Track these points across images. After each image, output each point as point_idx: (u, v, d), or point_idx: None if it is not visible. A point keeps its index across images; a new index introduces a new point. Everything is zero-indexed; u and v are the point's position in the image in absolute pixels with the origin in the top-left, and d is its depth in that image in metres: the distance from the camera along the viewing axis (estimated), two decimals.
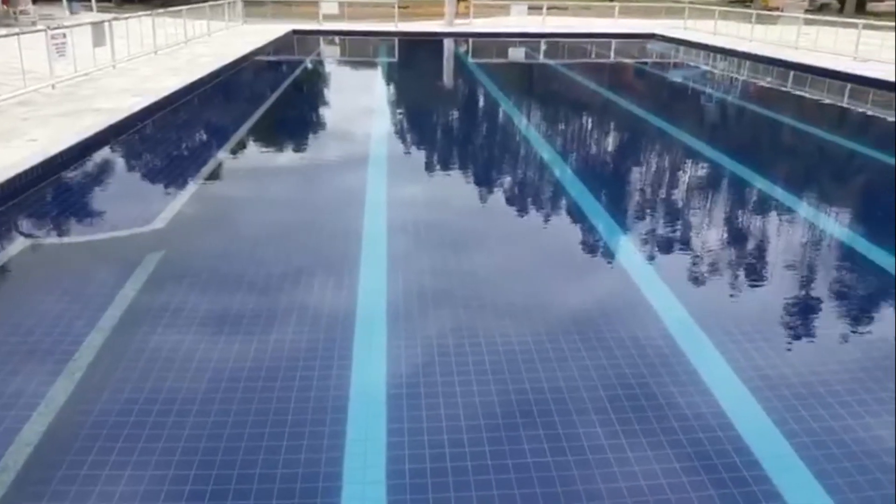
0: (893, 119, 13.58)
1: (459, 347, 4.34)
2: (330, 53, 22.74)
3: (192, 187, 7.71)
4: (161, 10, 18.23)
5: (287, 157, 9.64)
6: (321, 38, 24.91)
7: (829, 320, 5.07)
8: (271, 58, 20.22)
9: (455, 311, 4.87)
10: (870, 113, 14.19)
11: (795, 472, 3.30)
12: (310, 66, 19.83)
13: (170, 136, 10.59)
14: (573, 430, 3.56)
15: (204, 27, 20.68)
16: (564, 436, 3.52)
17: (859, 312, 5.25)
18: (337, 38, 25.21)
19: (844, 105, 14.94)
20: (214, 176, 8.36)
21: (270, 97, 13.82)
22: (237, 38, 20.98)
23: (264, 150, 10.21)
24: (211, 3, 21.58)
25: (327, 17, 26.68)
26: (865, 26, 18.76)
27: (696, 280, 5.70)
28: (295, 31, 24.56)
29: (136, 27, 15.53)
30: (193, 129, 11.25)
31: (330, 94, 15.72)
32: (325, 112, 13.42)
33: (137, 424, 3.53)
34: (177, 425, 3.53)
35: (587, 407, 3.76)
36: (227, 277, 5.33)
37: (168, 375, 3.97)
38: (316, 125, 12.00)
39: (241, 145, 9.94)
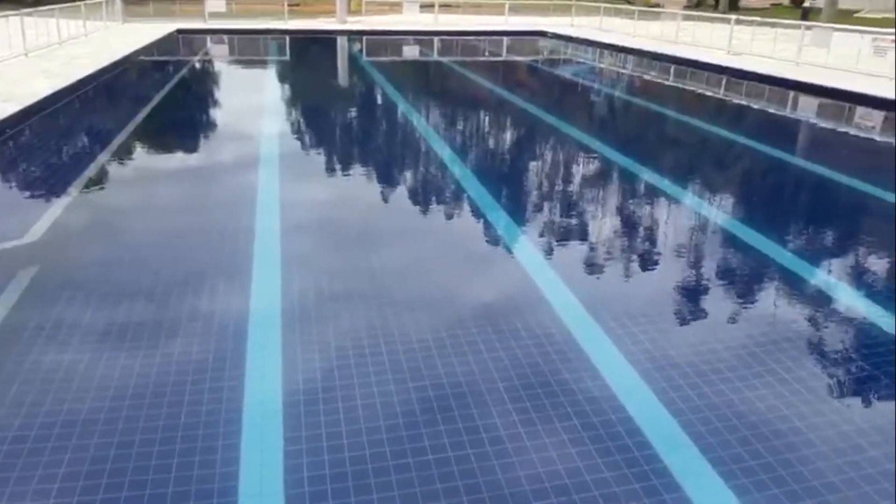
0: (763, 108, 14.46)
1: (358, 349, 4.29)
2: (218, 53, 22.04)
3: (69, 196, 7.29)
4: (30, 10, 17.13)
5: (173, 160, 9.26)
6: (208, 38, 24.12)
7: (709, 302, 5.32)
8: (155, 58, 19.42)
9: (353, 311, 4.81)
10: (743, 103, 15.04)
11: (683, 449, 3.44)
12: (197, 66, 19.15)
13: (44, 142, 9.96)
14: (472, 424, 3.58)
15: (80, 27, 19.61)
16: (465, 429, 3.54)
17: (738, 294, 5.54)
18: (225, 37, 24.47)
19: (721, 96, 15.78)
20: (95, 183, 7.94)
21: (154, 99, 13.24)
22: (117, 39, 20.03)
23: (148, 154, 9.78)
24: (87, 1, 20.47)
25: (213, 16, 25.88)
26: (737, 21, 19.88)
27: (586, 271, 5.87)
28: (180, 31, 23.71)
29: (4, 27, 14.53)
30: (70, 135, 10.63)
31: (218, 94, 15.23)
32: (213, 113, 12.99)
33: (12, 454, 3.29)
34: (56, 451, 3.32)
35: (486, 400, 3.80)
36: (110, 288, 5.07)
37: (45, 398, 3.72)
38: (203, 127, 11.59)
39: (124, 150, 9.47)
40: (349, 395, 3.81)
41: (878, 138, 11.82)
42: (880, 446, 3.49)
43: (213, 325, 4.56)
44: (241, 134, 10.52)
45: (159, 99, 13.33)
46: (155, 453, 3.33)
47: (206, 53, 21.62)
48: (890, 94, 12.97)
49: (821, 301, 5.37)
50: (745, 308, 5.24)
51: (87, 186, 7.73)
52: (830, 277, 5.78)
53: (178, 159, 9.29)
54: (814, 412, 3.76)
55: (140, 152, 9.75)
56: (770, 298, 5.45)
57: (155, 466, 3.24)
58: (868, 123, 12.71)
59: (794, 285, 5.67)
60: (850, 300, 5.35)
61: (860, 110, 13.21)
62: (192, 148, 9.91)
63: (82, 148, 9.93)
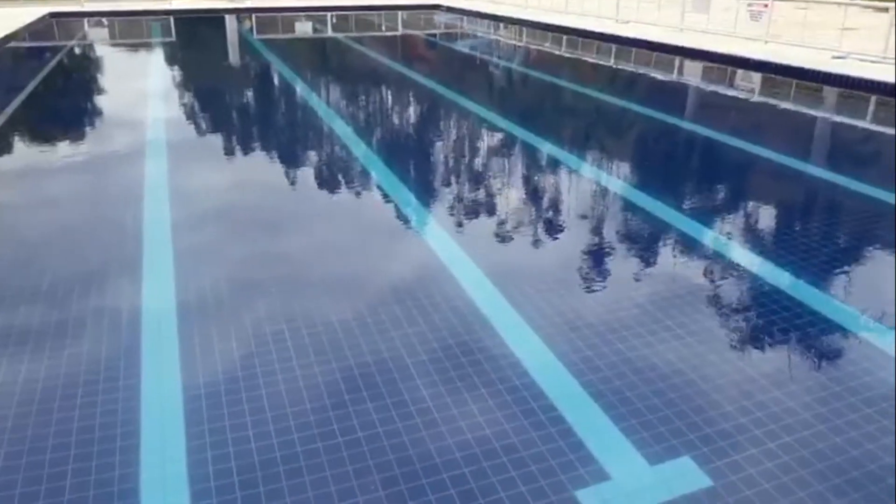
0: (650, 74, 14.96)
1: (260, 338, 4.19)
2: (97, 37, 20.85)
3: None
4: None
5: (50, 154, 8.69)
6: (85, 21, 22.78)
7: (604, 267, 5.50)
8: (26, 45, 18.21)
9: (250, 301, 4.70)
10: (631, 70, 15.49)
11: (585, 408, 3.55)
12: (73, 52, 18.07)
13: None
14: (381, 402, 3.57)
15: None
16: (374, 409, 3.53)
17: (631, 256, 5.75)
18: (104, 20, 23.18)
19: (610, 64, 16.20)
20: None
21: (26, 89, 12.37)
22: None
23: (24, 147, 9.17)
24: None
25: None
26: None
27: (489, 244, 5.93)
28: (53, 15, 22.27)
29: None
30: None
31: (99, 81, 14.43)
32: (93, 102, 12.29)
33: None
34: None
35: (395, 378, 3.80)
36: None
37: None
38: (83, 117, 10.96)
39: None
40: (253, 385, 3.73)
41: (756, 98, 12.45)
42: (769, 391, 3.70)
43: (104, 323, 4.34)
44: (124, 123, 10.01)
45: (32, 89, 12.49)
46: (47, 461, 3.16)
47: (84, 38, 20.41)
48: (762, 56, 13.67)
49: (712, 259, 5.63)
50: (639, 270, 5.43)
51: None
52: (721, 236, 6.07)
53: (56, 152, 8.75)
54: (706, 364, 3.96)
55: (14, 146, 9.13)
56: (662, 259, 5.67)
57: (48, 475, 3.08)
58: (747, 84, 13.36)
59: (686, 245, 5.92)
60: (740, 257, 5.63)
61: (739, 72, 13.87)
62: (71, 139, 9.37)
63: None
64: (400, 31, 23.38)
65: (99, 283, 4.91)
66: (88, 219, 6.25)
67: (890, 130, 10.14)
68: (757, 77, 13.50)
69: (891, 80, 11.32)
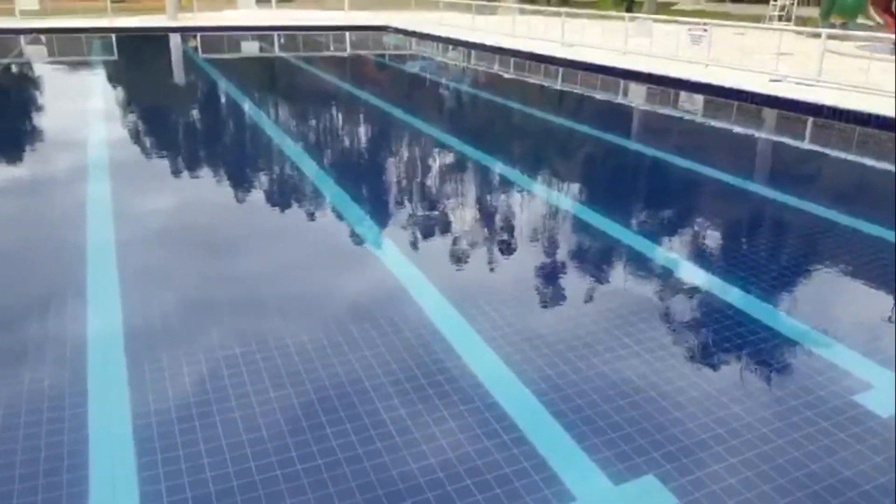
0: (596, 96, 15.26)
1: (213, 363, 4.06)
2: (33, 54, 20.22)
3: None
4: None
5: None
6: (21, 38, 22.11)
7: (560, 284, 5.52)
8: None
9: (202, 326, 4.56)
10: (578, 91, 15.77)
11: (547, 427, 3.53)
12: (11, 69, 17.48)
13: None
14: (340, 427, 3.49)
15: None
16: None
17: (586, 274, 5.79)
18: (42, 37, 22.53)
19: (558, 87, 16.47)
20: None
21: None
22: None
23: None
24: None
25: (26, 14, 23.75)
26: (568, 15, 20.83)
27: (447, 264, 5.90)
28: None
29: None
30: None
31: (34, 101, 13.95)
32: (31, 122, 11.87)
33: None
34: None
35: (353, 402, 3.72)
36: None
37: None
38: (20, 138, 10.55)
39: None
40: (206, 412, 3.61)
41: (699, 119, 12.80)
42: (728, 407, 3.74)
43: (47, 353, 4.14)
44: (64, 143, 9.67)
45: None
46: None
47: (21, 55, 19.78)
48: (704, 78, 14.09)
49: (668, 277, 5.71)
50: (598, 287, 5.47)
51: None
52: (677, 254, 6.16)
53: None
54: (665, 381, 3.98)
55: None
56: (620, 277, 5.73)
57: None
58: (689, 106, 13.73)
59: (642, 264, 5.99)
60: (696, 275, 5.73)
61: (683, 94, 14.25)
62: (7, 161, 9.02)
63: None
64: (348, 52, 23.35)
65: (40, 310, 4.69)
66: (29, 244, 5.99)
67: (824, 149, 10.54)
68: (699, 99, 13.88)
69: (824, 101, 11.78)
